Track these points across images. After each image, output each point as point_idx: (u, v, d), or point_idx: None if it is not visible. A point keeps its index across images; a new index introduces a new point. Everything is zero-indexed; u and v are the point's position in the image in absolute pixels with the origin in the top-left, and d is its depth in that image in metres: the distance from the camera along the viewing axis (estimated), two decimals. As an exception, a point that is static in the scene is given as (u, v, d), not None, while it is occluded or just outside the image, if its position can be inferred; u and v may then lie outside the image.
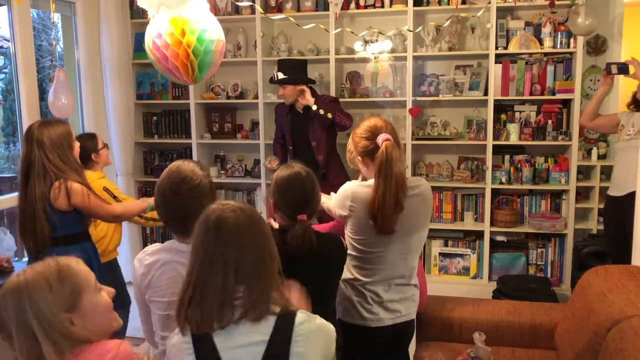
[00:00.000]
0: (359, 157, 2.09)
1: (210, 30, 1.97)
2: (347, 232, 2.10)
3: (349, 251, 2.08)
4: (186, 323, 1.30)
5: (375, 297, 2.09)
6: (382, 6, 4.12)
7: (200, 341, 1.29)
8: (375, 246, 2.05)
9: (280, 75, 3.66)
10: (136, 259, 1.73)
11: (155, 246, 1.73)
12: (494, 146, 4.04)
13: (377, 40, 4.16)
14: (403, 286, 2.13)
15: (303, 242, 1.81)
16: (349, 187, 2.07)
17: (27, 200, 2.43)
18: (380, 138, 2.00)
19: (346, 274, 2.10)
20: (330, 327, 1.38)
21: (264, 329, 1.28)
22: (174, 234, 1.72)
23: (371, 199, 1.96)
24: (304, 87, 3.68)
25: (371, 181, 2.03)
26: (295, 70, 3.72)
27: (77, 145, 2.58)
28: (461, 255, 4.25)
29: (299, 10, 4.23)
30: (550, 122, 4.00)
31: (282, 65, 3.72)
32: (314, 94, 3.73)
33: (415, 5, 4.01)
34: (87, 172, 3.05)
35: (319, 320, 1.36)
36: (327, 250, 1.88)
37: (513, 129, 4.03)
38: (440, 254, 4.28)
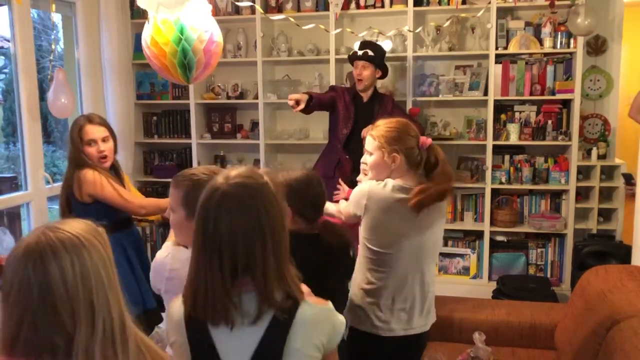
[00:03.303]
0: (395, 154, 2.01)
1: (190, 29, 1.97)
2: (361, 232, 2.07)
3: (363, 254, 2.07)
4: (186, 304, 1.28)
5: (389, 304, 2.04)
6: (382, 6, 4.12)
7: (194, 324, 1.26)
8: (389, 247, 2.02)
9: (370, 52, 3.48)
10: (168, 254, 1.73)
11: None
12: (494, 146, 4.04)
13: (377, 41, 4.16)
14: (418, 294, 2.08)
15: (340, 242, 1.82)
16: (366, 187, 2.05)
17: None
18: (425, 141, 2.03)
19: (359, 278, 2.07)
20: (337, 317, 1.32)
21: (262, 322, 1.24)
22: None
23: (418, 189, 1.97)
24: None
25: (387, 182, 2.01)
26: (381, 54, 3.57)
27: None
28: (461, 255, 4.25)
29: (299, 10, 4.23)
30: (550, 122, 4.00)
31: (369, 44, 3.58)
32: (375, 92, 3.63)
33: (415, 5, 4.01)
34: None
35: (324, 309, 1.29)
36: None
37: (513, 129, 4.03)
38: (440, 253, 4.27)
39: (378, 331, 2.05)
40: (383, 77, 3.71)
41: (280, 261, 1.25)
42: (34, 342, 1.02)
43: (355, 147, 3.27)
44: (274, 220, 1.25)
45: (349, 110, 3.57)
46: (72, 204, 2.56)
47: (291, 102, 3.35)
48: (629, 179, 3.89)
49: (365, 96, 3.61)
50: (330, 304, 1.32)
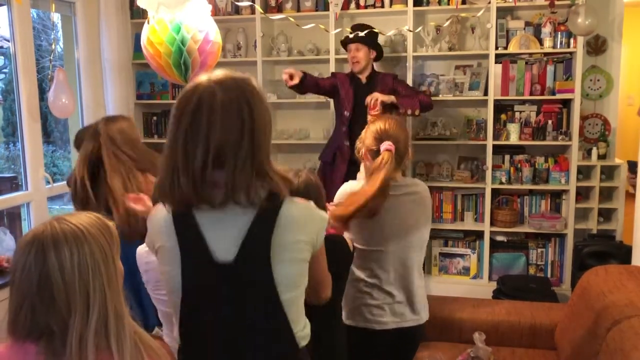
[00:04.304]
0: (364, 150, 2.14)
1: (184, 29, 1.98)
2: (347, 233, 2.10)
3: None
4: (167, 201, 1.29)
5: (379, 298, 2.09)
6: (382, 6, 4.12)
7: (181, 216, 1.27)
8: (374, 244, 2.07)
9: (361, 34, 3.48)
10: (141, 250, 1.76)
11: None
12: (494, 146, 4.04)
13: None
14: (407, 287, 2.12)
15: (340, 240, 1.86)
16: (347, 187, 2.15)
17: (100, 199, 2.31)
18: (383, 146, 2.03)
19: (350, 275, 2.10)
20: (320, 213, 1.36)
21: (248, 214, 1.25)
22: None
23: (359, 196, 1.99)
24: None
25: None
26: (373, 34, 3.58)
27: None
28: (461, 255, 4.25)
29: (299, 10, 4.23)
30: (550, 122, 4.00)
31: (359, 26, 3.60)
32: (373, 72, 3.67)
33: (415, 5, 4.01)
34: None
35: (307, 207, 1.33)
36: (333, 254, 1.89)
37: (513, 129, 4.03)
38: (440, 254, 4.27)
39: (371, 325, 2.09)
40: (378, 58, 3.74)
41: (262, 158, 1.26)
42: (32, 325, 1.07)
43: (358, 131, 3.29)
44: (256, 119, 1.26)
45: (348, 94, 3.64)
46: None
47: (285, 76, 3.44)
48: (633, 167, 3.87)
49: (363, 77, 3.67)
50: (312, 203, 1.35)
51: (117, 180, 2.29)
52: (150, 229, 1.36)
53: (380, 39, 3.80)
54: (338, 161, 3.67)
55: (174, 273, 1.28)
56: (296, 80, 3.42)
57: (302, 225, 1.29)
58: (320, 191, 1.90)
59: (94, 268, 1.08)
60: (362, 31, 3.52)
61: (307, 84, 3.52)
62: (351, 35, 3.54)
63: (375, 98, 3.31)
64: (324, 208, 1.95)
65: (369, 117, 3.26)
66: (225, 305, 1.28)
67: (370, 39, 3.57)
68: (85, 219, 1.12)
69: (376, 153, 2.06)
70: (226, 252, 1.25)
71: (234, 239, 1.25)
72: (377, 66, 3.87)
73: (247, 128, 1.23)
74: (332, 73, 3.88)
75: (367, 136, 2.14)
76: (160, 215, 1.32)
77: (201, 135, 1.22)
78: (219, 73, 1.28)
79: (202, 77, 1.28)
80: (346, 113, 3.63)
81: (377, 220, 2.04)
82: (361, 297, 2.10)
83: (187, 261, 1.27)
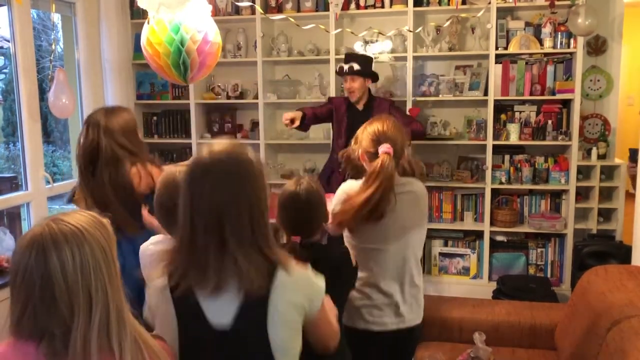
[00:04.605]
0: (360, 152, 2.13)
1: (183, 30, 1.98)
2: (345, 231, 2.11)
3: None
4: (170, 276, 1.32)
5: (378, 299, 2.08)
6: (382, 6, 4.12)
7: (177, 285, 1.30)
8: (371, 242, 2.07)
9: (356, 67, 3.50)
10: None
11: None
12: (494, 146, 4.04)
13: (377, 41, 4.17)
14: (405, 287, 2.12)
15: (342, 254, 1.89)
16: (344, 187, 2.15)
17: (98, 190, 2.31)
18: (381, 149, 2.02)
19: None
20: (316, 281, 1.37)
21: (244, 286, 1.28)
22: None
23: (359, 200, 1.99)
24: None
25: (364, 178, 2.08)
26: (367, 64, 3.58)
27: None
28: (461, 255, 4.25)
29: (299, 10, 4.23)
30: (550, 122, 4.00)
31: (353, 57, 3.60)
32: (370, 97, 3.65)
33: (415, 5, 4.01)
34: None
35: (302, 274, 1.35)
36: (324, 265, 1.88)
37: (513, 129, 4.03)
38: (440, 254, 4.27)
39: (371, 327, 2.09)
40: (374, 82, 3.74)
41: (260, 232, 1.30)
42: (34, 326, 1.07)
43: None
44: (254, 194, 1.30)
45: (342, 121, 3.65)
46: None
47: (286, 122, 3.50)
48: (634, 156, 3.86)
49: (360, 105, 3.63)
50: (308, 269, 1.37)
51: (109, 174, 2.30)
52: (149, 298, 1.40)
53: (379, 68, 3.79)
54: (333, 185, 3.60)
55: (171, 339, 1.32)
56: (297, 123, 3.51)
57: (295, 292, 1.31)
58: (321, 198, 1.90)
59: (95, 267, 1.09)
60: (356, 60, 3.54)
61: (308, 122, 3.61)
62: (346, 66, 3.54)
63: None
64: (326, 214, 1.95)
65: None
66: None
67: (365, 70, 3.56)
68: (82, 218, 1.12)
69: (374, 155, 2.06)
70: (222, 318, 1.29)
71: (230, 305, 1.29)
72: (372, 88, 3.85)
73: (246, 198, 1.29)
74: (329, 98, 3.87)
75: (364, 137, 2.12)
76: (157, 284, 1.35)
77: (202, 211, 1.28)
78: (217, 146, 1.32)
79: (203, 152, 1.33)
80: (340, 140, 3.60)
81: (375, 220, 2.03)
82: (360, 297, 2.10)
83: (183, 327, 1.32)
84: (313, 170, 4.38)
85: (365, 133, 2.12)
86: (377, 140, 2.06)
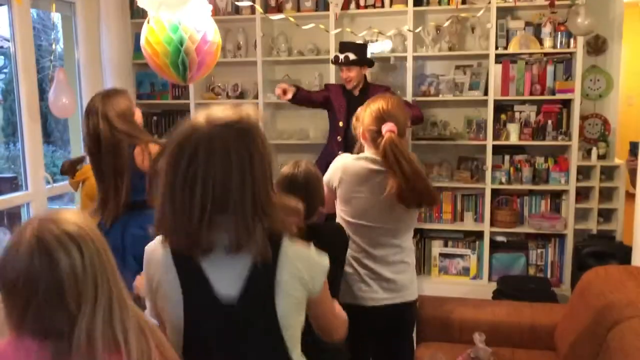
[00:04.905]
0: (361, 130, 2.14)
1: (182, 29, 1.98)
2: (337, 204, 2.14)
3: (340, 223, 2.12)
4: (167, 240, 1.28)
5: (369, 273, 2.09)
6: (382, 6, 4.12)
7: (181, 254, 1.26)
8: (363, 217, 2.08)
9: (352, 56, 3.56)
10: None
11: None
12: (494, 146, 4.04)
13: (377, 41, 4.16)
14: (397, 264, 2.13)
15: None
16: (341, 161, 2.16)
17: (105, 174, 2.43)
18: (385, 127, 2.01)
19: None
20: (320, 257, 1.35)
21: (250, 253, 1.25)
22: None
23: (395, 188, 1.98)
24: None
25: (364, 154, 2.12)
26: (362, 53, 3.64)
27: (138, 111, 2.64)
28: (461, 256, 4.24)
29: (299, 10, 4.23)
30: (550, 122, 4.00)
31: (348, 46, 3.65)
32: (366, 83, 3.71)
33: (415, 5, 4.00)
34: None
35: (306, 248, 1.32)
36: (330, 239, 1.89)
37: (513, 129, 4.03)
38: (440, 254, 4.27)
39: (362, 302, 2.10)
40: (370, 67, 3.77)
41: (263, 199, 1.24)
42: (38, 326, 1.06)
43: (352, 141, 3.33)
44: (256, 161, 1.24)
45: (341, 105, 3.70)
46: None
47: (278, 91, 3.62)
48: (634, 149, 3.85)
49: (356, 91, 3.69)
50: (312, 247, 1.35)
51: (113, 158, 2.39)
52: (148, 265, 1.33)
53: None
54: None
55: (176, 311, 1.28)
56: (289, 96, 3.60)
57: (298, 266, 1.29)
58: (319, 180, 1.91)
59: (100, 261, 1.09)
60: (351, 49, 3.58)
61: (299, 98, 3.67)
62: (341, 56, 3.59)
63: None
64: (323, 198, 1.96)
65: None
66: (228, 343, 1.28)
67: (360, 58, 3.61)
68: (74, 215, 1.12)
69: (376, 133, 2.04)
70: (229, 290, 1.26)
71: (237, 276, 1.25)
72: (369, 75, 3.88)
73: (248, 171, 1.22)
74: (325, 85, 3.92)
75: (365, 115, 2.11)
76: (158, 253, 1.30)
77: (199, 180, 1.20)
78: (217, 113, 1.26)
79: (200, 119, 1.25)
80: (341, 124, 3.68)
81: (370, 196, 2.05)
82: (351, 273, 2.11)
83: (189, 299, 1.27)
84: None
85: (368, 111, 2.10)
86: (381, 117, 2.04)
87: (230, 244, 1.23)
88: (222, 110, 1.27)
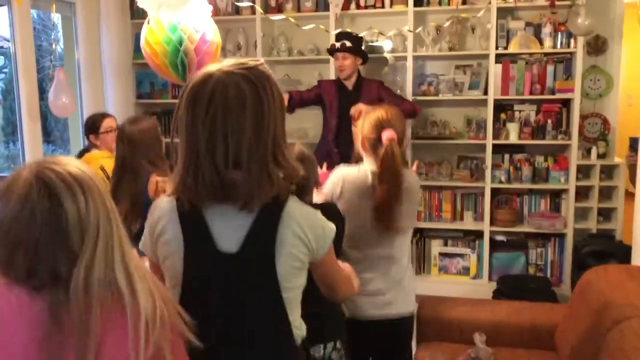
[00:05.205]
0: (360, 139, 2.13)
1: (181, 29, 1.98)
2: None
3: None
4: (176, 193, 1.28)
5: (365, 288, 2.05)
6: (383, 7, 4.12)
7: (185, 205, 1.27)
8: (363, 229, 2.07)
9: (348, 43, 3.57)
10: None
11: None
12: (494, 145, 4.04)
13: (377, 41, 4.17)
14: (394, 276, 2.12)
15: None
16: (340, 173, 2.15)
17: (120, 198, 2.42)
18: (385, 135, 2.01)
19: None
20: (325, 221, 1.34)
21: (253, 210, 1.25)
22: None
23: (377, 197, 1.99)
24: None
25: (362, 165, 2.12)
26: (357, 43, 3.66)
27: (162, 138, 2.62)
28: (461, 255, 4.25)
29: (299, 10, 4.23)
30: (550, 121, 4.00)
31: (345, 35, 3.66)
32: (360, 78, 3.72)
33: (415, 5, 4.01)
34: (93, 151, 3.09)
35: (312, 210, 1.32)
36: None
37: (513, 128, 4.03)
38: (440, 253, 4.27)
39: (358, 315, 2.08)
40: (364, 63, 3.77)
41: (273, 154, 1.26)
42: (30, 270, 1.03)
43: (344, 139, 3.36)
44: (267, 111, 1.25)
45: (334, 102, 3.70)
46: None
47: None
48: (634, 144, 3.84)
49: (350, 84, 3.70)
50: (319, 212, 1.34)
51: (130, 184, 2.42)
52: (152, 214, 1.34)
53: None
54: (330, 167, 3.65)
55: (175, 261, 1.28)
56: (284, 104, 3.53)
57: (302, 226, 1.28)
58: (313, 164, 1.91)
59: (102, 203, 1.08)
60: (347, 39, 3.59)
61: (294, 104, 3.65)
62: (338, 44, 3.61)
63: (359, 110, 3.34)
64: (317, 181, 1.96)
65: (354, 128, 3.29)
66: (226, 295, 1.28)
67: (356, 47, 3.63)
68: (76, 161, 1.11)
69: (375, 141, 2.05)
70: (230, 243, 1.26)
71: (239, 230, 1.25)
72: (362, 70, 3.87)
73: (263, 123, 1.24)
74: (318, 81, 3.92)
75: (365, 125, 2.11)
76: (164, 202, 1.32)
77: (219, 133, 1.21)
78: (229, 64, 1.26)
79: (212, 68, 1.26)
80: (333, 121, 3.69)
81: (370, 205, 2.04)
82: None
83: (190, 249, 1.27)
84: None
85: (367, 120, 2.10)
86: (380, 126, 2.05)
87: (240, 196, 1.23)
88: (232, 61, 1.28)
